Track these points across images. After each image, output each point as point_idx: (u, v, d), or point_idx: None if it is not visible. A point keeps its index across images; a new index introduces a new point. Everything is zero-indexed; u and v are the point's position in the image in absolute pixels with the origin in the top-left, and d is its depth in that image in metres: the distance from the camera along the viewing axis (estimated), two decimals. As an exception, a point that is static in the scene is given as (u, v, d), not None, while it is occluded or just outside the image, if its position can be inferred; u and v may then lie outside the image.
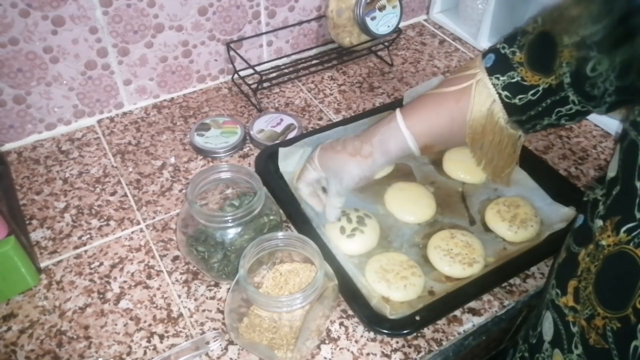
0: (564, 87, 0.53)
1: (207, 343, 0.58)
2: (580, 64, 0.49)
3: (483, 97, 0.56)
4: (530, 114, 0.56)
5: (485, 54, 0.58)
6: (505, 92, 0.55)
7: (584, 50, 0.47)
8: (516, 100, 0.55)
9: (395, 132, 0.60)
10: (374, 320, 0.58)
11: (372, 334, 0.60)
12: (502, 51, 0.56)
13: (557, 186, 0.74)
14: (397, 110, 0.62)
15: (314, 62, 0.99)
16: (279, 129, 0.84)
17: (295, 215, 0.69)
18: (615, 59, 0.45)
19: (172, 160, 0.81)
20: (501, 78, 0.55)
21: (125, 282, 0.65)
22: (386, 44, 1.03)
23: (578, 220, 0.50)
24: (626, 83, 0.46)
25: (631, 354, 0.38)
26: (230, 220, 0.59)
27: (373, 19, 0.94)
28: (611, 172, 0.44)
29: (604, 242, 0.42)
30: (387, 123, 0.61)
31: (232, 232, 0.61)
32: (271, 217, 0.64)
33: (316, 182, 0.67)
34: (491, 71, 0.56)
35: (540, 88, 0.54)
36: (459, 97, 0.58)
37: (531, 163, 0.78)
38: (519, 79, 0.55)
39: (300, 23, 0.98)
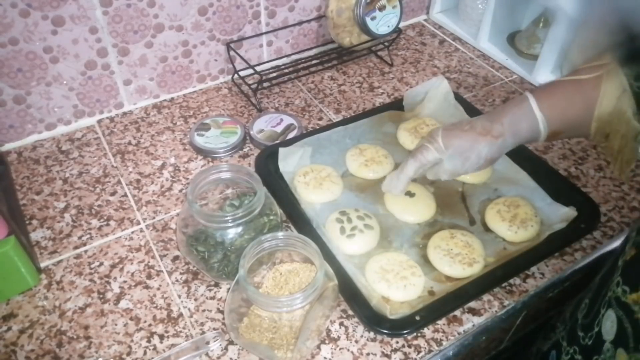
0: None
1: (207, 343, 0.58)
2: None
3: (614, 86, 0.55)
4: None
5: (614, 46, 0.56)
6: (637, 84, 0.53)
7: None
8: None
9: (528, 113, 0.60)
10: (374, 320, 0.58)
11: (372, 334, 0.60)
12: (632, 44, 0.52)
13: (557, 186, 0.74)
14: (528, 93, 0.61)
15: (314, 62, 0.99)
16: (279, 129, 0.85)
17: (295, 215, 0.69)
18: None
19: (172, 160, 0.81)
20: (634, 68, 0.53)
21: (125, 282, 0.65)
22: (386, 44, 1.03)
23: None
24: None
25: None
26: (230, 220, 0.59)
27: (373, 19, 0.94)
28: None
29: None
30: (518, 104, 0.61)
31: (232, 232, 0.61)
32: (271, 217, 0.64)
33: (431, 164, 0.65)
34: (624, 62, 0.54)
35: None
36: (595, 84, 0.57)
37: (531, 163, 0.78)
38: None
39: (300, 23, 0.98)
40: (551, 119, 0.60)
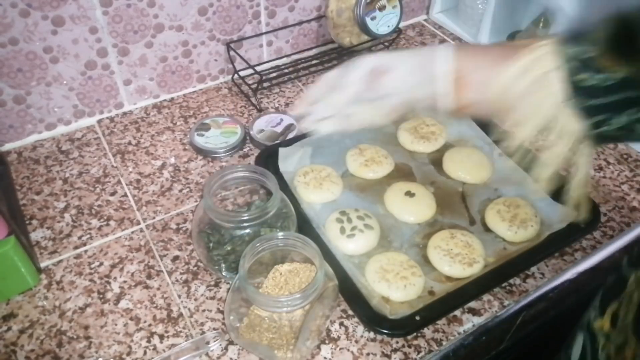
0: None
1: (207, 343, 0.58)
2: None
3: (547, 60, 0.46)
4: (598, 101, 0.45)
5: (561, 33, 0.48)
6: (573, 64, 0.45)
7: None
8: (584, 76, 0.44)
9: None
10: (374, 320, 0.58)
11: (372, 334, 0.60)
12: (581, 27, 0.46)
13: (557, 186, 0.74)
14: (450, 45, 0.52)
15: (314, 62, 0.99)
16: (279, 129, 0.84)
17: (295, 215, 0.69)
18: None
19: (172, 160, 0.81)
20: (572, 49, 0.45)
21: (125, 282, 0.65)
22: (386, 44, 1.03)
23: None
24: None
25: None
26: (243, 221, 0.60)
27: (373, 19, 0.94)
28: None
29: None
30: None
31: (244, 232, 0.62)
32: (286, 221, 0.65)
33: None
34: (564, 41, 0.46)
35: (619, 76, 0.43)
36: (513, 51, 0.47)
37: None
38: (595, 54, 0.44)
39: (300, 23, 0.98)
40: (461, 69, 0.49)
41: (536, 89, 0.46)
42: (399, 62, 0.52)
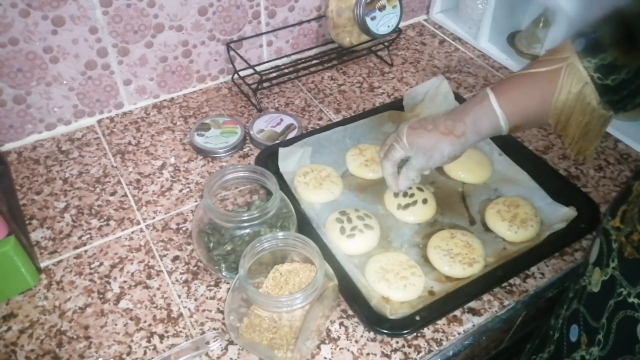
0: None
1: (207, 343, 0.58)
2: None
3: (574, 80, 0.57)
4: (622, 94, 0.56)
5: (575, 37, 0.58)
6: (597, 74, 0.55)
7: None
8: (608, 81, 0.55)
9: (489, 111, 0.61)
10: (374, 320, 0.58)
11: (372, 334, 0.60)
12: (593, 35, 0.56)
13: (557, 186, 0.74)
14: (489, 89, 0.62)
15: (314, 62, 0.99)
16: (279, 129, 0.84)
17: (295, 215, 0.69)
18: None
19: (172, 160, 0.81)
20: (593, 61, 0.55)
21: (125, 282, 0.65)
22: (386, 44, 1.03)
23: None
24: None
25: None
26: (243, 220, 0.60)
27: (373, 19, 0.94)
28: None
29: None
30: (479, 102, 0.62)
31: (244, 232, 0.62)
32: (286, 221, 0.65)
33: (400, 160, 0.68)
34: (583, 54, 0.56)
35: (634, 66, 0.53)
36: (551, 77, 0.58)
37: (531, 163, 0.78)
38: (611, 59, 0.54)
39: (300, 23, 0.98)
40: (511, 114, 0.61)
41: (574, 103, 0.58)
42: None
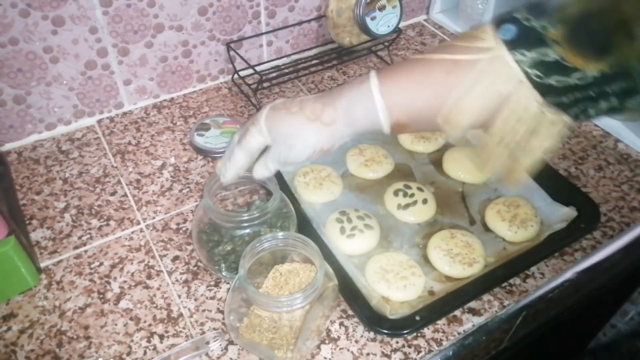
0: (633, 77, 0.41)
1: (207, 343, 0.58)
2: None
3: (501, 79, 0.44)
4: (576, 97, 0.44)
5: (498, 23, 0.45)
6: (535, 71, 0.43)
7: None
8: (551, 82, 0.43)
9: (366, 97, 0.48)
10: (374, 320, 0.58)
11: (372, 334, 0.60)
12: (527, 23, 0.43)
13: (557, 186, 0.74)
14: (373, 71, 0.49)
15: (314, 62, 0.99)
16: (279, 129, 0.84)
17: (295, 215, 0.69)
18: None
19: (172, 160, 0.81)
20: (528, 54, 0.43)
21: (125, 282, 0.65)
22: (386, 44, 1.03)
23: None
24: None
25: None
26: (243, 220, 0.60)
27: (373, 19, 0.94)
28: None
29: None
30: (358, 85, 0.49)
31: (244, 232, 0.62)
32: (286, 221, 0.65)
33: (258, 150, 0.55)
34: (513, 45, 0.43)
35: (589, 75, 0.42)
36: (451, 69, 0.46)
37: (531, 163, 0.78)
38: (558, 58, 0.42)
39: (300, 23, 0.98)
40: (393, 106, 0.48)
41: (505, 102, 0.45)
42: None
